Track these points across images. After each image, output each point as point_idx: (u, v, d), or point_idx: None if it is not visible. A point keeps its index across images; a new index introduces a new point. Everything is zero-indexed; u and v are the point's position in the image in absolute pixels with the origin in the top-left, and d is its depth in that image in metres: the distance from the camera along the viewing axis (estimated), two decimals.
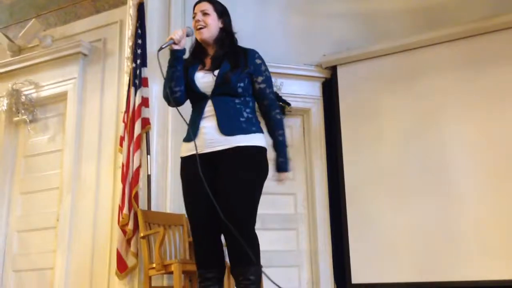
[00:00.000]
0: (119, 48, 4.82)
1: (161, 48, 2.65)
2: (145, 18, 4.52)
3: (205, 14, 2.73)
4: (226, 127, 2.59)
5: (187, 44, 2.77)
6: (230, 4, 3.90)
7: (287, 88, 5.05)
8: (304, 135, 5.27)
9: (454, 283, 4.39)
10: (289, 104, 5.03)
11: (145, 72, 4.36)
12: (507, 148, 4.46)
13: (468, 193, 4.50)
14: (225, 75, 2.63)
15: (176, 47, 2.67)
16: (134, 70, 4.36)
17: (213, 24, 2.73)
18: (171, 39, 2.67)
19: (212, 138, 2.59)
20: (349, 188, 4.93)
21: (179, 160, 4.26)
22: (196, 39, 2.78)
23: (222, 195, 2.52)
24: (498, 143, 4.51)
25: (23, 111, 5.00)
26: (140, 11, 4.51)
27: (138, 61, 4.37)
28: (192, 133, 2.62)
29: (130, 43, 4.55)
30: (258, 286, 2.51)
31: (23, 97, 5.03)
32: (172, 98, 2.69)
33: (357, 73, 5.20)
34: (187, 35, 2.75)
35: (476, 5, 4.86)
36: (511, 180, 4.39)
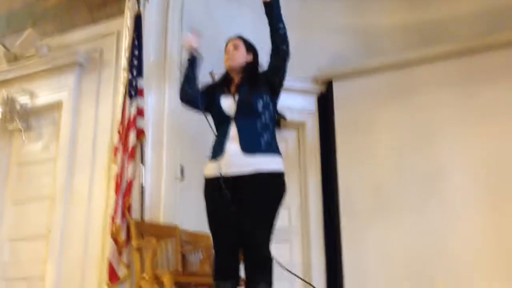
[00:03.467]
0: (116, 59, 4.82)
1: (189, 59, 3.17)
2: (142, 30, 4.53)
3: (235, 48, 3.09)
4: (247, 146, 2.81)
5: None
6: (227, 16, 3.94)
7: (282, 101, 4.91)
8: (299, 148, 5.28)
9: None
10: (285, 118, 5.02)
11: (141, 83, 4.36)
12: (502, 166, 4.48)
13: (463, 210, 4.51)
14: (244, 96, 2.92)
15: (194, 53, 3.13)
16: (130, 81, 4.37)
17: (241, 57, 3.08)
18: (191, 46, 3.14)
19: (236, 160, 2.80)
20: (343, 203, 4.93)
21: (173, 171, 4.29)
22: (226, 71, 3.11)
23: (243, 217, 2.76)
24: (493, 161, 4.53)
25: (17, 120, 4.98)
26: (137, 22, 4.53)
27: (135, 72, 4.38)
28: (217, 154, 2.87)
29: (127, 54, 4.55)
30: None
31: (18, 105, 5.01)
32: (182, 96, 3.10)
33: (352, 88, 5.22)
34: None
35: (472, 23, 4.91)
36: (507, 198, 4.39)
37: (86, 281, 4.26)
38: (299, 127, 5.27)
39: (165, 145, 4.38)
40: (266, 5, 3.01)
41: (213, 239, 2.90)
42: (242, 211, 2.77)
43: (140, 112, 4.29)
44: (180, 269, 4.00)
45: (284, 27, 3.08)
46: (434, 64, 4.95)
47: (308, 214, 4.98)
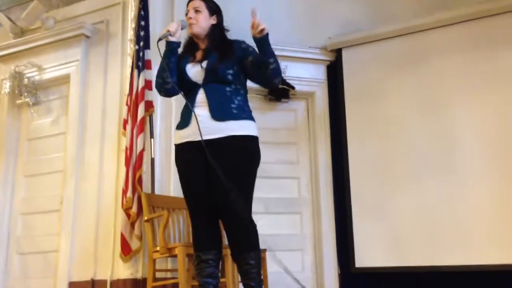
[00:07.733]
0: (122, 30, 4.77)
1: (160, 39, 2.77)
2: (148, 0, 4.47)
3: (197, 11, 2.87)
4: (217, 113, 2.69)
5: (181, 37, 2.90)
6: None
7: (291, 71, 5.00)
8: (308, 118, 5.23)
9: (458, 267, 4.38)
10: (293, 88, 4.99)
11: (148, 55, 4.34)
12: None
13: (474, 177, 4.47)
14: (213, 64, 2.75)
15: (172, 38, 2.80)
16: (137, 52, 4.34)
17: (204, 21, 2.87)
18: (168, 31, 2.79)
19: (206, 126, 2.68)
20: (353, 172, 4.91)
21: None
22: (189, 37, 2.94)
23: (218, 184, 2.62)
24: (505, 127, 4.46)
25: (25, 94, 4.97)
26: None
27: (141, 43, 4.35)
28: (186, 121, 2.75)
29: (133, 25, 4.51)
30: (259, 269, 2.65)
31: (26, 79, 5.00)
32: (164, 89, 2.83)
33: (362, 56, 5.14)
34: (182, 28, 2.86)
35: None
36: None
37: (99, 254, 4.32)
38: (308, 97, 5.21)
39: (173, 117, 4.37)
40: (257, 40, 2.67)
41: (189, 208, 2.78)
42: (215, 177, 2.61)
43: (148, 84, 4.27)
44: (191, 240, 4.03)
45: (276, 61, 2.72)
46: (445, 29, 4.84)
47: (318, 185, 4.96)
